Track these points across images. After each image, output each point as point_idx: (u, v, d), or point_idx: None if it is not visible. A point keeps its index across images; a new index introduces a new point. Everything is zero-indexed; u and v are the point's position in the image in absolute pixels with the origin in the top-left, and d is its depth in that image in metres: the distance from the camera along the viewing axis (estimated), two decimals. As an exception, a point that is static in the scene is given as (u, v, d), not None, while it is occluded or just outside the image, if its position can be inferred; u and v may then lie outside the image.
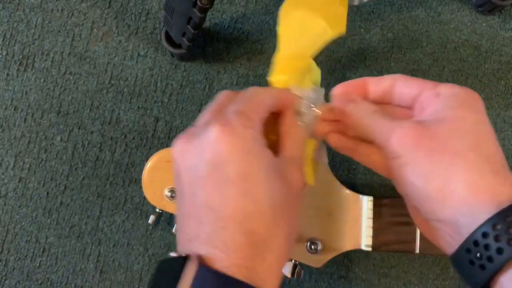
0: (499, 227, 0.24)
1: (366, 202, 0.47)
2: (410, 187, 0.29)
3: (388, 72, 0.53)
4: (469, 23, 0.54)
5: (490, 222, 0.24)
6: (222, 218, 0.27)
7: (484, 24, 0.54)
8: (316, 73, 0.41)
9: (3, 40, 0.53)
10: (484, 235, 0.24)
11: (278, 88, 0.37)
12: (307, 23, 0.39)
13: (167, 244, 0.51)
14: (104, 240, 0.51)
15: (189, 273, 0.26)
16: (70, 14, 0.53)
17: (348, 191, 0.47)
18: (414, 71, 0.53)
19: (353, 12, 0.54)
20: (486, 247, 0.24)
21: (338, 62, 0.53)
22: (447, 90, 0.30)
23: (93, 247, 0.51)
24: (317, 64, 0.53)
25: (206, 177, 0.28)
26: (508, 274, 0.24)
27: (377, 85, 0.33)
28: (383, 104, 0.34)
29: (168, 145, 0.52)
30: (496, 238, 0.24)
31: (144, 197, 0.51)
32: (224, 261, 0.27)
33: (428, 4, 0.54)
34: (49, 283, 0.51)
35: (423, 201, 0.28)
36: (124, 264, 0.51)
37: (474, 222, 0.25)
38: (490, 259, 0.24)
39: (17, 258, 0.51)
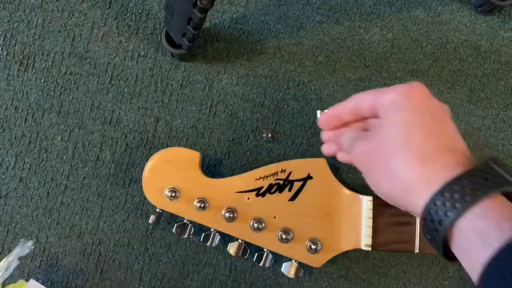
0: (432, 211, 0.30)
1: (366, 202, 0.47)
2: (374, 190, 0.35)
3: (389, 73, 0.53)
4: (468, 23, 0.54)
5: (427, 209, 0.30)
6: None
7: (483, 24, 0.54)
8: None
9: (3, 40, 0.53)
10: (429, 211, 0.30)
11: None
12: None
13: (167, 244, 0.51)
14: (105, 240, 0.51)
15: None
16: (71, 14, 0.53)
17: (348, 191, 0.47)
18: (414, 71, 0.54)
19: (353, 13, 0.54)
20: (433, 218, 0.30)
21: (338, 62, 0.53)
22: (388, 97, 0.35)
23: (94, 246, 0.51)
24: (317, 64, 0.54)
25: None
26: (458, 229, 0.29)
27: (345, 110, 0.39)
28: (360, 121, 0.40)
29: (168, 145, 0.52)
30: (433, 219, 0.30)
31: (145, 197, 0.52)
32: None
33: (427, 5, 0.54)
34: (49, 283, 0.51)
35: (388, 200, 0.34)
36: (124, 263, 0.51)
37: (418, 211, 0.31)
38: (440, 222, 0.30)
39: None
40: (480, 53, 0.54)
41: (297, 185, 0.47)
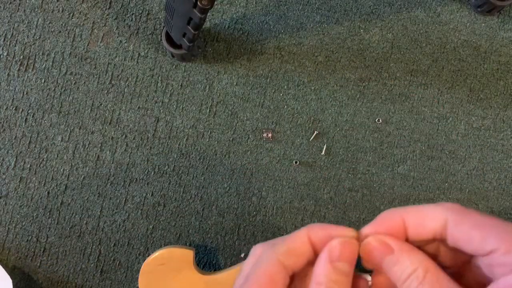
0: None
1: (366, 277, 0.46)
2: None
3: (389, 73, 0.53)
4: (468, 24, 0.54)
5: None
6: None
7: (483, 24, 0.54)
8: None
9: (4, 41, 0.53)
10: None
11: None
12: None
13: (168, 244, 0.52)
14: (105, 239, 0.51)
15: None
16: (71, 14, 0.53)
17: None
18: (414, 71, 0.54)
19: (353, 13, 0.54)
20: None
21: (338, 62, 0.54)
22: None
23: (94, 246, 0.51)
24: (317, 64, 0.54)
25: None
26: None
27: (421, 226, 0.25)
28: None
29: (168, 145, 0.52)
30: None
31: (145, 197, 0.52)
32: None
33: (427, 5, 0.54)
34: (49, 283, 0.51)
35: None
36: (124, 263, 0.51)
37: None
38: None
39: (17, 258, 0.51)
40: (480, 53, 0.54)
41: None
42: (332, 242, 0.25)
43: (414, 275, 0.23)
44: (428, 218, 0.25)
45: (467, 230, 0.23)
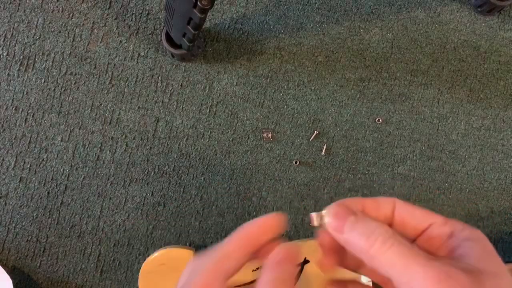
0: None
1: (365, 282, 0.46)
2: None
3: (389, 73, 0.53)
4: (468, 24, 0.54)
5: None
6: None
7: (483, 24, 0.54)
8: None
9: (4, 41, 0.53)
10: None
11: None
12: None
13: (167, 243, 0.52)
14: (105, 239, 0.51)
15: None
16: (71, 14, 0.53)
17: (346, 271, 0.46)
18: (414, 71, 0.54)
19: (353, 13, 0.54)
20: None
21: (338, 62, 0.54)
22: (461, 231, 0.27)
23: (94, 246, 0.51)
24: (317, 64, 0.54)
25: None
26: None
27: (376, 209, 0.29)
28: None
29: (168, 145, 0.52)
30: None
31: (145, 197, 0.52)
32: None
33: (427, 5, 0.54)
34: (49, 283, 0.51)
35: None
36: (124, 263, 0.51)
37: None
38: None
39: (17, 258, 0.51)
40: (480, 53, 0.54)
41: None
42: (274, 252, 0.29)
43: (378, 231, 0.26)
44: (381, 202, 0.28)
45: (411, 209, 0.28)
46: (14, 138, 0.52)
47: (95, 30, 0.53)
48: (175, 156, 0.52)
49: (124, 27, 0.53)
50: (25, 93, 0.53)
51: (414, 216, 0.28)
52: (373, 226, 0.26)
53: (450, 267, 0.24)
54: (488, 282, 0.24)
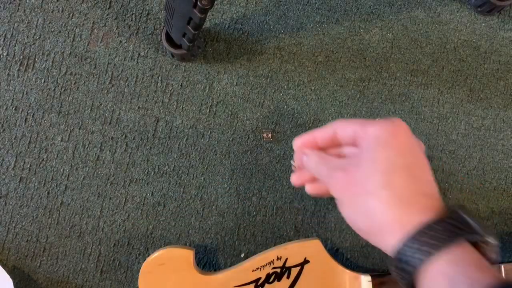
0: (403, 252, 0.31)
1: (365, 282, 0.46)
2: (348, 221, 0.36)
3: (389, 73, 0.53)
4: (468, 24, 0.54)
5: (398, 250, 0.31)
6: None
7: (483, 24, 0.54)
8: None
9: (4, 41, 0.53)
10: (401, 252, 0.31)
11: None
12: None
13: (168, 244, 0.52)
14: (105, 239, 0.51)
15: None
16: (71, 14, 0.53)
17: (346, 271, 0.47)
18: (414, 71, 0.54)
19: (353, 13, 0.54)
20: (403, 259, 0.31)
21: (338, 62, 0.54)
22: (372, 130, 0.35)
23: (94, 246, 0.51)
24: (317, 64, 0.54)
25: None
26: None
27: (322, 135, 0.39)
28: (334, 147, 0.40)
29: (168, 145, 0.52)
30: (403, 260, 0.31)
31: (145, 197, 0.52)
32: None
33: (427, 5, 0.54)
34: (49, 283, 0.51)
35: (360, 234, 0.35)
36: (124, 263, 0.51)
37: (389, 250, 0.33)
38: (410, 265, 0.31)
39: (18, 258, 0.51)
40: (480, 53, 0.54)
41: (295, 271, 0.46)
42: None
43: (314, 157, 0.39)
44: (325, 129, 0.39)
45: (345, 124, 0.38)
46: (14, 138, 0.52)
47: (95, 30, 0.53)
48: (175, 156, 0.52)
49: (124, 27, 0.53)
50: (25, 93, 0.53)
51: (345, 130, 0.37)
52: (313, 155, 0.39)
53: (336, 171, 0.36)
54: (356, 172, 0.34)
